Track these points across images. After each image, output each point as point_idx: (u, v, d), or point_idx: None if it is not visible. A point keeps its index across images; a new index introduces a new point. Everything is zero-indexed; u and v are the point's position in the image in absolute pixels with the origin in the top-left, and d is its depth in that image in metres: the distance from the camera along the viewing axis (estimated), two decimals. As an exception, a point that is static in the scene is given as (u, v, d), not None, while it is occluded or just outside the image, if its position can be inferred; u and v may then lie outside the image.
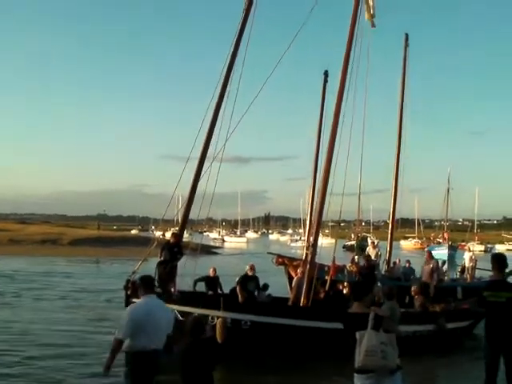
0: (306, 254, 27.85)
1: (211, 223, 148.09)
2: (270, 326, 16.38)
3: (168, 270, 17.10)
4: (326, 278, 20.52)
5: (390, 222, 29.13)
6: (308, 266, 18.43)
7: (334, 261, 22.75)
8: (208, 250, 67.10)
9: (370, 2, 19.24)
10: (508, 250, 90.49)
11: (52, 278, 37.48)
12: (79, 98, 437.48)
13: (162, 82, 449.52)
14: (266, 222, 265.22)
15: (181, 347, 7.97)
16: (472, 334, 19.35)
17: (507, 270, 9.95)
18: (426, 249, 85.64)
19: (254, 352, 15.96)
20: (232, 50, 18.15)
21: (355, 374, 7.73)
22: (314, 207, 18.87)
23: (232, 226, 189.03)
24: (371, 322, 7.65)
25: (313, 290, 17.85)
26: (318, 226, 19.31)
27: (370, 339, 7.53)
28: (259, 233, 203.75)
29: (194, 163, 17.99)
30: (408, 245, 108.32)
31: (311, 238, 19.93)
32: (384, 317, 7.92)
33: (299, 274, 19.16)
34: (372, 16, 19.25)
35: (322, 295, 19.29)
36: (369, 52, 19.40)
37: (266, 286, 19.90)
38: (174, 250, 17.39)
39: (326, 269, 22.05)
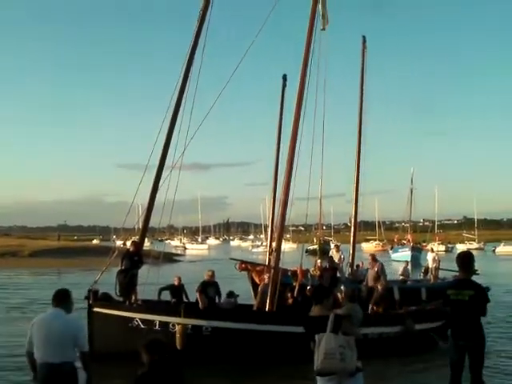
0: (269, 259, 28.13)
1: (172, 231, 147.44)
2: (232, 332, 16.39)
3: (128, 278, 17.06)
4: (294, 283, 20.40)
5: (350, 224, 29.22)
6: (272, 271, 18.40)
7: (301, 266, 22.70)
8: (170, 258, 66.93)
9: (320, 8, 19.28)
10: (469, 249, 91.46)
11: (4, 291, 36.87)
12: (36, 109, 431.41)
13: (121, 93, 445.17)
14: (227, 229, 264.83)
15: (137, 373, 7.10)
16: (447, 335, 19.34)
17: (473, 269, 10.00)
18: (390, 251, 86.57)
19: (216, 358, 15.91)
20: (188, 54, 18.15)
21: (317, 377, 7.78)
22: (276, 212, 18.82)
23: (193, 232, 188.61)
24: (330, 324, 7.70)
25: (278, 296, 17.88)
26: (281, 230, 19.38)
27: (329, 342, 7.58)
28: (221, 239, 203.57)
29: (154, 171, 17.92)
30: (369, 247, 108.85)
31: (274, 243, 19.93)
32: (343, 319, 7.94)
33: (265, 280, 19.02)
34: (325, 20, 19.29)
35: (290, 301, 19.25)
36: (326, 55, 19.49)
37: (231, 294, 19.85)
38: (134, 259, 17.34)
39: (290, 273, 22.01)
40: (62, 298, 8.49)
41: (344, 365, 7.53)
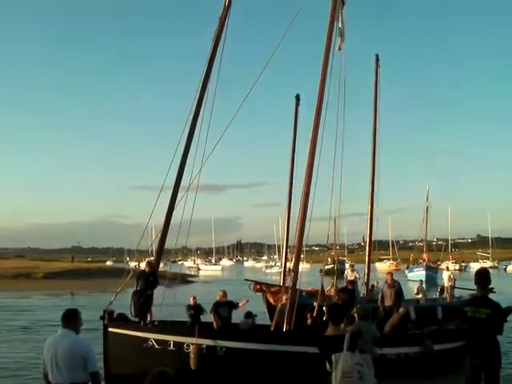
0: (284, 279, 28.08)
1: (186, 252, 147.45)
2: (246, 352, 16.23)
3: (143, 299, 17.11)
4: (314, 304, 20.22)
5: (364, 244, 29.17)
6: (290, 291, 18.27)
7: (322, 286, 22.55)
8: (184, 279, 66.94)
9: (340, 25, 19.30)
10: (483, 267, 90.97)
11: (15, 312, 36.80)
12: (49, 127, 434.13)
13: (134, 118, 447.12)
14: (240, 249, 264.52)
15: None
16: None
17: (490, 287, 9.95)
18: (406, 270, 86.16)
19: (231, 379, 15.85)
20: (203, 78, 18.14)
21: None
22: (292, 232, 18.75)
23: (206, 253, 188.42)
24: (346, 343, 7.67)
25: (298, 316, 17.75)
26: (299, 250, 19.20)
27: (346, 360, 7.56)
28: (234, 260, 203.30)
29: (169, 193, 17.96)
30: (383, 267, 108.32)
31: (289, 263, 19.81)
32: (359, 338, 7.91)
33: (284, 301, 18.76)
34: (342, 38, 19.32)
35: (309, 321, 19.13)
36: (344, 75, 19.31)
37: (250, 314, 19.80)
38: (149, 279, 17.40)
39: (304, 294, 21.94)
40: (71, 318, 8.50)
41: (362, 383, 7.51)
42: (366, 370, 7.56)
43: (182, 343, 16.08)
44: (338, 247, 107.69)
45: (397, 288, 22.48)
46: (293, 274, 18.71)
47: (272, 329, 18.58)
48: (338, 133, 19.30)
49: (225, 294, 18.98)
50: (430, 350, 17.38)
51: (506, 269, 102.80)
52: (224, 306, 18.57)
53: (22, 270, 71.66)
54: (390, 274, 23.96)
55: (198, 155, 17.64)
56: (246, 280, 29.19)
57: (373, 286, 27.72)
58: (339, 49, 19.40)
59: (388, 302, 21.65)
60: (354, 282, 24.70)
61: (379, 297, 22.79)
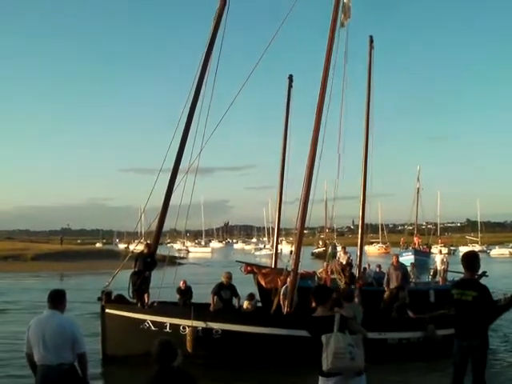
0: (276, 261, 28.14)
1: (175, 234, 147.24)
2: (242, 335, 16.30)
3: (141, 280, 17.14)
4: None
5: (354, 227, 29.22)
6: (292, 274, 18.05)
7: (326, 269, 22.50)
8: (173, 261, 66.84)
9: (346, 0, 18.78)
10: (471, 251, 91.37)
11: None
12: (37, 112, 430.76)
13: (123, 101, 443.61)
14: (228, 232, 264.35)
15: (145, 377, 6.95)
16: None
17: (480, 271, 9.94)
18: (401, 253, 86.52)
19: (227, 361, 15.99)
20: (201, 65, 17.94)
21: (320, 377, 7.78)
22: (298, 215, 18.50)
23: (195, 236, 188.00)
24: (337, 324, 7.71)
25: (302, 300, 17.54)
26: (301, 233, 19.12)
27: (338, 341, 7.59)
28: (224, 242, 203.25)
29: (160, 176, 18.09)
30: (373, 250, 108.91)
31: (282, 246, 19.75)
32: (348, 318, 8.00)
33: (287, 283, 18.32)
34: (347, 15, 18.72)
35: (314, 304, 18.93)
36: (347, 54, 19.08)
37: (252, 296, 19.88)
38: (147, 261, 17.41)
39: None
40: (59, 299, 8.48)
41: (354, 363, 7.57)
42: (357, 350, 7.62)
43: (179, 325, 16.17)
44: (327, 230, 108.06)
45: (403, 270, 22.54)
46: (294, 256, 18.51)
47: (272, 311, 18.47)
48: (340, 112, 19.33)
49: (229, 276, 18.72)
50: (433, 335, 17.31)
51: (489, 253, 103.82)
52: (227, 289, 18.47)
53: (12, 251, 71.54)
54: (396, 255, 24.05)
55: (197, 138, 17.53)
56: (237, 262, 29.14)
57: (365, 268, 27.76)
58: (342, 25, 18.83)
59: (394, 285, 21.68)
60: (351, 265, 24.72)
61: (385, 280, 22.77)
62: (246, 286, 23.35)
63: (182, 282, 20.25)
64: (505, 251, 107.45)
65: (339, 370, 7.60)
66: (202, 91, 17.74)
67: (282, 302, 17.76)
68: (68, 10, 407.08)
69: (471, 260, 9.69)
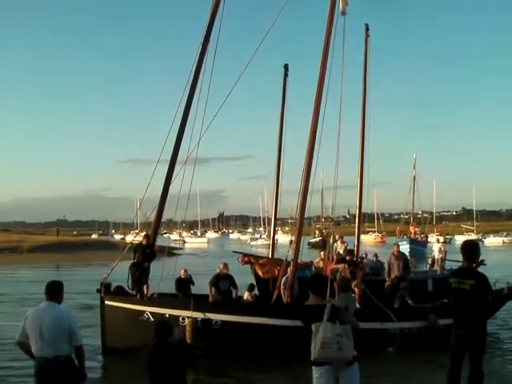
0: (272, 251, 28.05)
1: (171, 225, 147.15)
2: (241, 326, 16.32)
3: (140, 271, 17.13)
4: None
5: (350, 217, 29.20)
6: (292, 264, 17.97)
7: (328, 259, 22.36)
8: (169, 252, 66.90)
9: None
10: (471, 239, 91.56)
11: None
12: (32, 104, 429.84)
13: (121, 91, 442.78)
14: (223, 222, 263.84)
15: (146, 350, 7.95)
16: None
17: (480, 259, 9.91)
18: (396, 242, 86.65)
19: (226, 352, 16.03)
20: (200, 49, 17.75)
21: (313, 366, 7.81)
22: (297, 205, 18.41)
23: (190, 226, 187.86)
24: (327, 313, 7.70)
25: (302, 290, 17.48)
26: (301, 223, 19.07)
27: (326, 331, 7.60)
28: (219, 233, 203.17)
29: (158, 167, 18.03)
30: (369, 239, 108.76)
31: (278, 236, 19.67)
32: (340, 308, 8.00)
33: (288, 274, 18.10)
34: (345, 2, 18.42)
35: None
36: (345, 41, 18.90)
37: (252, 287, 19.89)
38: (146, 252, 17.36)
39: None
40: (56, 291, 8.47)
41: (341, 353, 7.58)
42: (345, 340, 7.61)
43: (178, 316, 16.17)
44: (323, 220, 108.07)
45: (404, 260, 22.48)
46: (294, 246, 18.43)
47: (272, 302, 18.33)
48: (336, 102, 19.14)
49: (225, 266, 18.80)
50: (435, 325, 17.18)
51: (484, 242, 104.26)
52: (224, 279, 18.51)
53: (8, 243, 71.34)
54: (397, 245, 23.94)
55: (195, 128, 17.37)
56: (234, 252, 29.08)
57: (362, 258, 27.70)
58: (342, 13, 18.50)
59: (395, 274, 21.60)
60: (352, 253, 24.57)
61: (386, 269, 22.78)
62: (243, 276, 23.36)
63: (182, 271, 20.12)
64: (498, 240, 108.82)
65: (327, 359, 7.64)
66: (199, 81, 17.60)
67: (282, 293, 17.68)
68: (68, 9, 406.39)
69: (471, 249, 9.68)
